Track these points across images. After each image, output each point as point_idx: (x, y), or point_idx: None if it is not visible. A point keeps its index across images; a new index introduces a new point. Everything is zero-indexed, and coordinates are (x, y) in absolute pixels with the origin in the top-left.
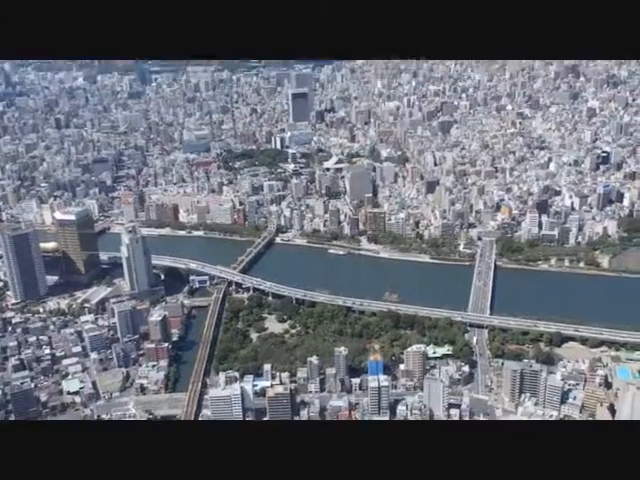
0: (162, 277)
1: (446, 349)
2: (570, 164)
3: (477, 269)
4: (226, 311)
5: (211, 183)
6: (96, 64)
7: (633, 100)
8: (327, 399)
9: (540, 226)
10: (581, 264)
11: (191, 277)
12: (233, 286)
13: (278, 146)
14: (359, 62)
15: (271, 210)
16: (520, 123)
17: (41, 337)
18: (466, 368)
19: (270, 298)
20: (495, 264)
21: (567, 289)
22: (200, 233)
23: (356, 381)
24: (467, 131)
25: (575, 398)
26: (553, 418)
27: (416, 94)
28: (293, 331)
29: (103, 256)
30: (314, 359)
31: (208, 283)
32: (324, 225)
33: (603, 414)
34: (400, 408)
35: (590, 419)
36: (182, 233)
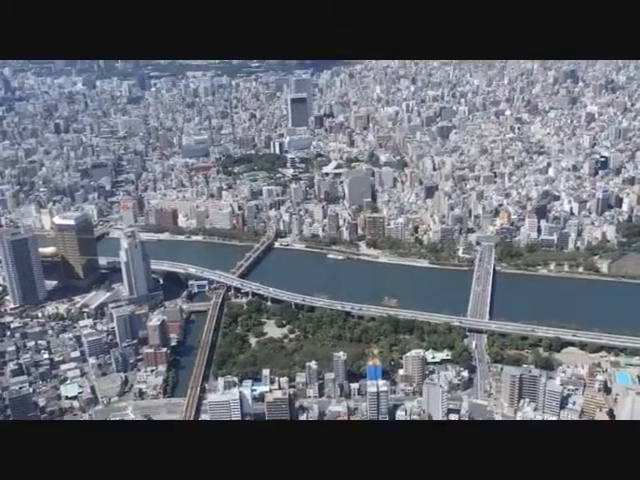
0: (161, 282)
1: (445, 354)
2: (569, 169)
3: (476, 274)
4: (225, 316)
5: (210, 188)
6: (95, 69)
7: (632, 105)
8: (326, 404)
9: (539, 231)
10: (580, 269)
11: (190, 282)
12: (232, 291)
13: (277, 151)
14: (358, 67)
15: (270, 215)
16: (519, 128)
17: (40, 342)
18: (465, 373)
19: (269, 303)
20: (494, 269)
21: (566, 294)
22: (199, 238)
23: (355, 386)
24: (466, 136)
25: (574, 403)
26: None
27: (415, 99)
28: (292, 336)
29: (102, 261)
30: (313, 364)
31: (207, 288)
32: (323, 230)
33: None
34: (399, 413)
35: (590, 419)
36: (181, 238)
